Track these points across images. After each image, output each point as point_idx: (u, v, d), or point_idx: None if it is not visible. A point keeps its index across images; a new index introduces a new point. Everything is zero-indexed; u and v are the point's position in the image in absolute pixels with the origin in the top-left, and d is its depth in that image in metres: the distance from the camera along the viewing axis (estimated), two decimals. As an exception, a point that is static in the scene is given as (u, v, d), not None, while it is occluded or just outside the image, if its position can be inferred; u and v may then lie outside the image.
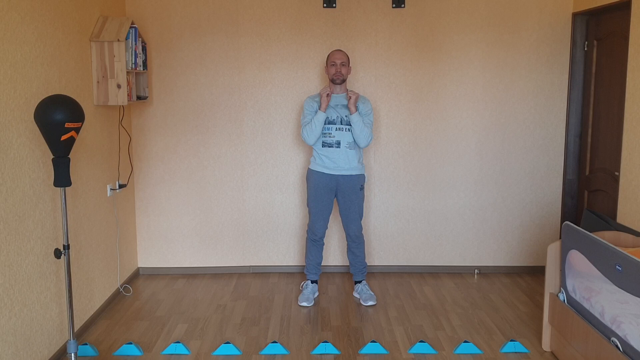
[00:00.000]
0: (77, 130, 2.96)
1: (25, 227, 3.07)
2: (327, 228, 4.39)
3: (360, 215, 4.36)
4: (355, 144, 4.21)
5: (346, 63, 4.18)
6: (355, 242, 4.38)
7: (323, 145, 4.21)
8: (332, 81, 4.19)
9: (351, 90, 4.17)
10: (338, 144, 4.18)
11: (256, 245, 4.98)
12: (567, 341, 3.25)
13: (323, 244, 4.44)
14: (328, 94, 4.12)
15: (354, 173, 4.25)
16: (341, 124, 4.17)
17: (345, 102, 4.19)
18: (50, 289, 3.33)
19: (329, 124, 4.18)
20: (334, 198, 4.33)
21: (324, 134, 4.21)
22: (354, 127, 4.13)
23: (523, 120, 4.83)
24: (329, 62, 4.19)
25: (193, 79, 4.76)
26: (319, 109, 4.13)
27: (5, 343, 2.89)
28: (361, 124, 4.12)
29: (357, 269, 4.45)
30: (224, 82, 4.76)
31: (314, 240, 4.38)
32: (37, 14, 3.20)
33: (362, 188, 4.31)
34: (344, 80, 4.19)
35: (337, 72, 4.15)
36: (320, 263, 4.47)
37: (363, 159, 4.40)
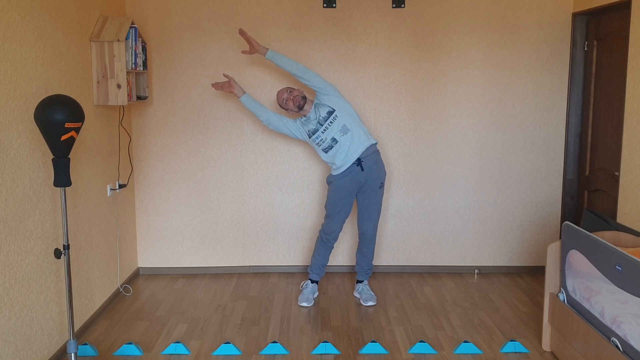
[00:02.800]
0: (77, 130, 2.96)
1: (25, 227, 3.07)
2: (341, 230, 4.38)
3: (379, 214, 4.34)
4: (346, 126, 4.13)
5: (292, 88, 4.22)
6: (367, 242, 4.36)
7: (326, 152, 4.21)
8: (299, 107, 4.20)
9: (242, 32, 4.18)
10: (334, 140, 4.16)
11: (256, 245, 4.98)
12: (567, 341, 3.25)
13: (332, 246, 4.42)
14: (224, 78, 4.30)
15: (368, 145, 4.18)
16: (321, 125, 4.16)
17: (318, 101, 4.19)
18: (50, 289, 3.33)
19: (313, 134, 4.19)
20: (354, 199, 4.31)
21: (317, 144, 4.21)
22: (278, 62, 4.16)
23: (523, 120, 4.83)
24: (281, 101, 4.23)
25: (193, 79, 4.76)
26: (238, 97, 4.25)
27: (5, 343, 2.89)
28: (280, 56, 4.15)
29: (363, 269, 4.44)
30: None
31: (325, 241, 4.37)
32: (37, 14, 3.20)
33: (381, 186, 4.29)
34: (304, 98, 4.20)
35: (294, 98, 4.17)
36: (325, 265, 4.45)
37: (367, 130, 4.29)
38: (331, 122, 4.14)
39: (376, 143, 4.26)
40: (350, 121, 4.16)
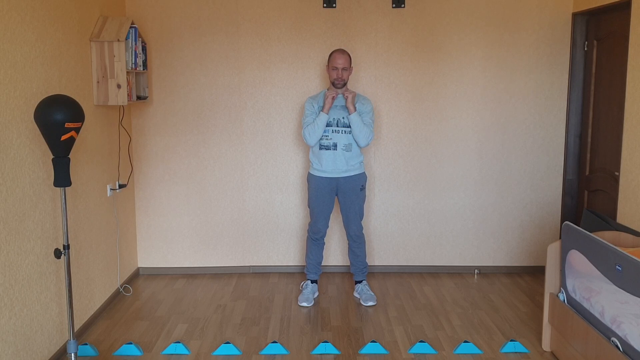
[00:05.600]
0: (77, 130, 2.96)
1: (25, 227, 3.07)
2: (328, 227, 4.40)
3: (361, 216, 4.35)
4: (352, 145, 4.19)
5: (347, 67, 4.15)
6: (356, 242, 4.38)
7: (320, 148, 4.21)
8: (333, 84, 4.18)
9: (347, 90, 4.16)
10: (335, 146, 4.17)
11: (256, 245, 4.98)
12: (567, 341, 3.25)
13: (324, 243, 4.44)
14: (333, 97, 4.10)
15: (353, 174, 4.25)
16: (337, 126, 4.16)
17: (343, 104, 4.19)
18: (50, 289, 3.33)
19: (326, 126, 4.17)
20: (335, 197, 4.34)
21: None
22: (352, 126, 4.12)
23: (523, 120, 4.83)
24: (330, 65, 4.16)
25: (193, 79, 4.76)
26: (322, 111, 4.12)
27: (5, 343, 2.89)
28: (360, 123, 4.11)
29: (358, 268, 4.45)
30: (224, 82, 4.76)
31: (315, 239, 4.38)
32: (37, 14, 3.20)
33: (362, 188, 4.31)
34: (344, 84, 4.18)
35: (338, 77, 4.13)
36: (321, 263, 4.47)
37: (364, 159, 4.39)
38: (345, 132, 4.16)
39: (364, 172, 4.33)
40: (356, 144, 4.20)
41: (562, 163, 4.87)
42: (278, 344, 3.56)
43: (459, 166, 4.88)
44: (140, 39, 4.29)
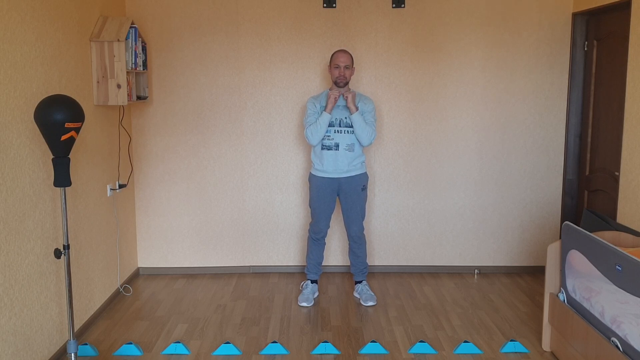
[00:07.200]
0: (77, 130, 2.96)
1: (25, 227, 3.07)
2: (329, 227, 4.40)
3: (362, 216, 4.35)
4: (354, 145, 4.19)
5: (350, 65, 4.14)
6: (356, 243, 4.38)
7: (322, 148, 4.20)
8: (335, 83, 4.18)
9: (347, 90, 4.16)
10: (337, 146, 4.17)
11: (256, 245, 4.98)
12: (567, 341, 3.25)
13: (324, 243, 4.44)
14: (336, 97, 4.10)
15: (355, 174, 4.24)
16: (340, 126, 4.16)
17: (345, 103, 4.18)
18: (50, 289, 3.33)
19: (328, 126, 4.17)
20: (337, 197, 4.33)
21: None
22: (355, 126, 4.12)
23: (523, 120, 4.83)
24: (333, 64, 4.16)
25: (193, 79, 4.76)
26: (324, 110, 4.12)
27: (5, 343, 2.89)
28: (362, 122, 4.11)
29: (358, 269, 4.45)
30: (224, 82, 4.76)
31: (316, 239, 4.38)
32: (37, 14, 3.20)
33: (364, 188, 4.31)
34: (347, 83, 4.18)
35: (340, 75, 4.12)
36: (321, 263, 4.47)
37: (365, 159, 4.39)
38: (347, 132, 4.16)
39: (365, 172, 4.33)
40: (359, 144, 4.20)
41: (562, 163, 4.87)
42: (278, 344, 3.57)
43: (459, 166, 4.88)
44: (140, 39, 4.29)
